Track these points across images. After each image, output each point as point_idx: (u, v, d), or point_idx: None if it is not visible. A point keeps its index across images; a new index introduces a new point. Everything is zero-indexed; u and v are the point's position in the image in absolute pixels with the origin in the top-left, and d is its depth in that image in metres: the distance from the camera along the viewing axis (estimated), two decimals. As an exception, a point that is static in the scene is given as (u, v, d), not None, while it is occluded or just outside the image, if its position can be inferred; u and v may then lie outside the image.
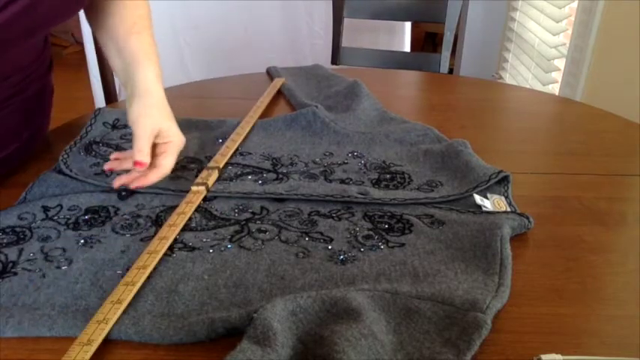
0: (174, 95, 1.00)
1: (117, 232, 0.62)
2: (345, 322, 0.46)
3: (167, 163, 0.69)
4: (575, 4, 1.62)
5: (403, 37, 1.93)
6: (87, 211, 0.66)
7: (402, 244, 0.60)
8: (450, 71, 1.90)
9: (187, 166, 0.76)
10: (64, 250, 0.59)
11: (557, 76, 1.75)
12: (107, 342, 0.47)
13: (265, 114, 0.94)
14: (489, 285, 0.53)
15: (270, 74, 1.14)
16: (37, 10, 0.61)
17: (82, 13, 0.78)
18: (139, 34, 0.75)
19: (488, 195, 0.69)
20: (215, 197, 0.69)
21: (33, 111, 0.78)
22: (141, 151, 0.67)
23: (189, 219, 0.64)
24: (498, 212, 0.64)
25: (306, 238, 0.61)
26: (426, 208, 0.67)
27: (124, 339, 0.48)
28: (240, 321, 0.47)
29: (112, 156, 0.73)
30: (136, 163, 0.66)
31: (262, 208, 0.67)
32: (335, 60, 1.52)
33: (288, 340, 0.45)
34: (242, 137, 0.83)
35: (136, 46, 0.74)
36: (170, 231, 0.61)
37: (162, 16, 1.78)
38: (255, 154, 0.80)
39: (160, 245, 0.58)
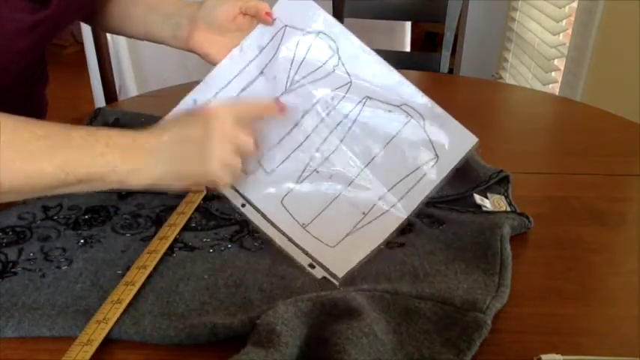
0: (175, 95, 1.00)
1: (117, 232, 0.62)
2: (346, 322, 0.46)
3: None
4: (575, 4, 1.62)
5: (403, 37, 1.93)
6: (87, 211, 0.65)
7: (402, 244, 0.60)
8: (450, 71, 1.90)
9: (187, 166, 0.76)
10: (64, 249, 0.59)
11: (557, 76, 1.75)
12: (107, 342, 0.47)
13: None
14: (489, 285, 0.53)
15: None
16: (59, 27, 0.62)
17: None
18: None
19: (489, 195, 0.69)
20: (215, 197, 0.69)
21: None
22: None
23: (190, 219, 0.64)
24: (498, 212, 0.64)
25: (306, 238, 0.61)
26: (426, 207, 0.66)
27: (124, 339, 0.48)
28: (242, 328, 0.47)
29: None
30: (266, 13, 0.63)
31: (262, 208, 0.66)
32: (335, 60, 1.51)
33: (291, 341, 0.44)
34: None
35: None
36: (170, 231, 0.61)
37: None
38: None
39: (160, 245, 0.58)
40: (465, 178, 0.72)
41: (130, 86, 2.06)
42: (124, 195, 0.69)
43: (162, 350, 0.47)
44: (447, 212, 0.65)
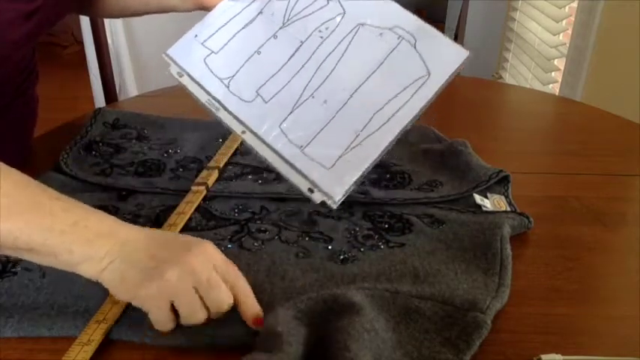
0: (175, 95, 1.00)
1: (117, 232, 0.62)
2: (348, 317, 0.46)
3: None
4: (575, 4, 1.62)
5: (403, 37, 1.93)
6: (87, 211, 0.65)
7: (402, 244, 0.60)
8: (450, 71, 1.89)
9: (187, 166, 0.76)
10: (64, 249, 0.59)
11: (557, 76, 1.75)
12: (107, 342, 0.47)
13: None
14: (489, 285, 0.53)
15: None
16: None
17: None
18: None
19: (488, 195, 0.69)
20: (215, 197, 0.69)
21: (25, 121, 0.78)
22: None
23: (189, 219, 0.64)
24: (498, 212, 0.64)
25: (306, 238, 0.61)
26: (426, 207, 0.66)
27: (123, 339, 0.48)
28: (243, 337, 0.47)
29: None
30: None
31: (262, 207, 0.66)
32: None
33: (295, 339, 0.44)
34: (242, 137, 0.83)
35: None
36: (170, 231, 0.61)
37: (163, 15, 1.78)
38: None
39: (159, 245, 0.58)
40: (464, 178, 0.72)
41: (130, 86, 2.06)
42: (124, 195, 0.69)
43: (162, 351, 0.47)
44: (447, 212, 0.65)
